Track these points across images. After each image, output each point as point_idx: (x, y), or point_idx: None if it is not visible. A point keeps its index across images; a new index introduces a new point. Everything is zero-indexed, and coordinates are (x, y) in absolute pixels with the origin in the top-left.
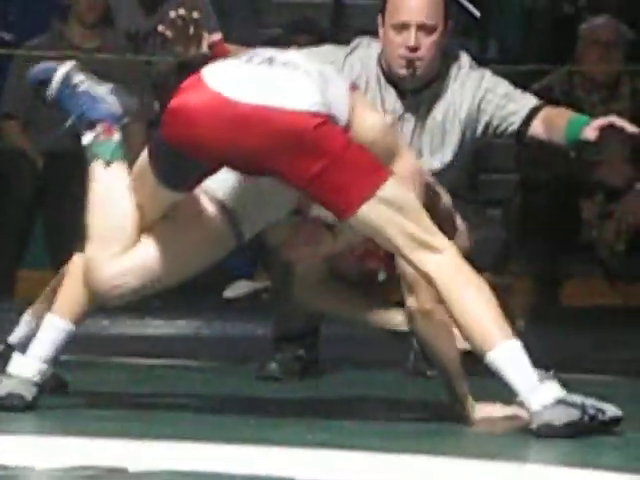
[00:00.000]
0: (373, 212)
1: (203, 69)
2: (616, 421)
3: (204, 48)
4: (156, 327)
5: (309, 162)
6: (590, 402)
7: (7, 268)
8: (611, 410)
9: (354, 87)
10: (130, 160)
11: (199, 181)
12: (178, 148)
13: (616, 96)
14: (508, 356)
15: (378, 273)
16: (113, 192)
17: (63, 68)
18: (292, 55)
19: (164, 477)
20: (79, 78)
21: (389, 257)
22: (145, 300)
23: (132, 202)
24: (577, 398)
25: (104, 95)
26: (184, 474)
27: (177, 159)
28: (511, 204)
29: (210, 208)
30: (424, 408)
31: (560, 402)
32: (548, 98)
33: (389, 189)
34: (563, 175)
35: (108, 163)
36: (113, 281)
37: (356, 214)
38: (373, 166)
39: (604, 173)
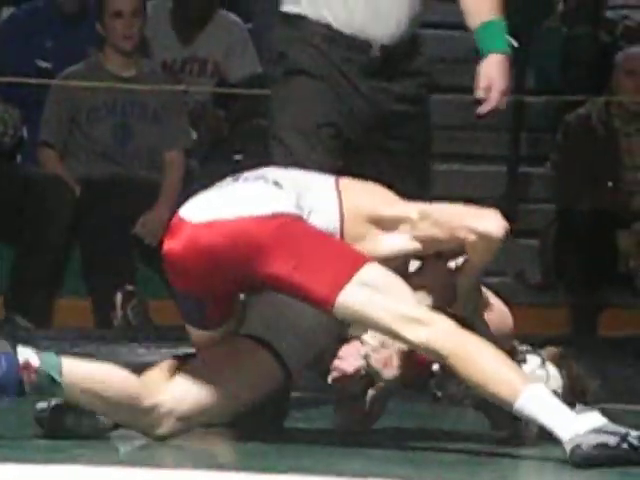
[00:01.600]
0: (353, 297)
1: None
2: None
3: None
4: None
5: (280, 263)
6: (636, 433)
7: (44, 297)
8: None
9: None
10: (168, 187)
11: (222, 313)
12: (183, 290)
13: None
14: (536, 400)
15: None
16: (90, 385)
17: None
18: (272, 170)
19: None
20: None
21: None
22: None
23: (107, 368)
24: (620, 428)
25: None
26: None
27: (189, 298)
28: (548, 234)
29: (251, 347)
30: (458, 438)
31: (597, 430)
32: (586, 127)
33: (367, 272)
34: (601, 205)
35: (64, 381)
36: (178, 429)
37: (337, 302)
38: (348, 254)
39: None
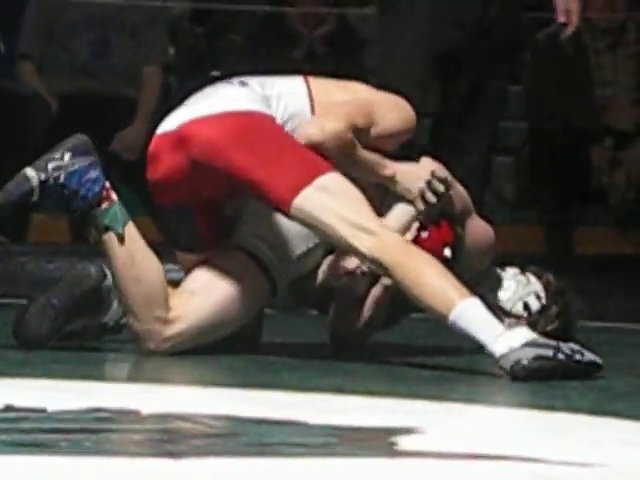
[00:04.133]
0: (310, 200)
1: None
2: (596, 367)
3: None
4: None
5: (244, 158)
6: (567, 345)
7: (21, 212)
8: (591, 355)
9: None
10: (146, 103)
11: (210, 234)
12: (171, 204)
13: (622, 42)
14: (469, 313)
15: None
16: (136, 260)
17: (33, 177)
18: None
19: (175, 420)
20: (51, 171)
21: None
22: None
23: (156, 260)
24: (550, 341)
25: (84, 165)
26: (195, 417)
27: (173, 217)
28: (522, 152)
29: (244, 264)
30: (434, 353)
31: (530, 344)
32: (555, 45)
33: (327, 179)
34: (572, 122)
35: (121, 234)
36: (169, 343)
37: (294, 204)
38: (311, 159)
39: (612, 117)
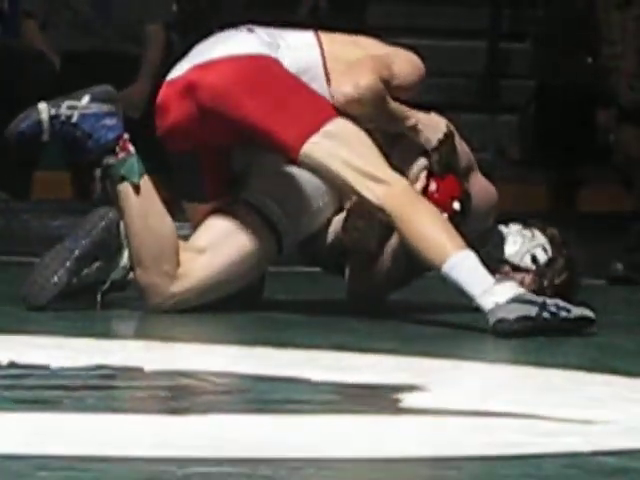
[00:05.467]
0: (319, 147)
1: None
2: (587, 322)
3: None
4: None
5: (254, 103)
6: (554, 301)
7: (24, 170)
8: (579, 311)
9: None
10: (149, 61)
11: (218, 182)
12: (179, 151)
13: (631, 1)
14: (461, 265)
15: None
16: (150, 212)
17: (43, 110)
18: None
19: (179, 377)
20: (65, 109)
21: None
22: None
23: (168, 215)
24: (537, 297)
25: (101, 111)
26: (198, 374)
27: (182, 166)
28: (528, 110)
29: (252, 221)
30: (439, 311)
31: (516, 300)
32: (563, 3)
33: (335, 125)
34: (579, 80)
35: (137, 184)
36: (174, 299)
37: (302, 150)
38: (319, 104)
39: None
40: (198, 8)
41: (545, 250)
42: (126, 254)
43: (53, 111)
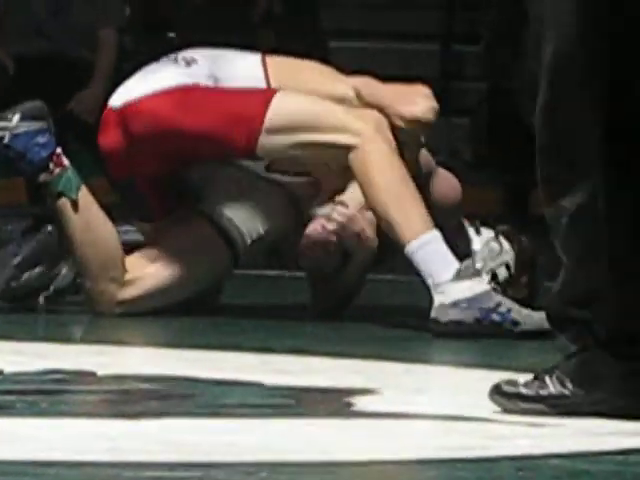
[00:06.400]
0: (270, 142)
1: None
2: (535, 335)
3: None
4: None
5: (194, 125)
6: (507, 307)
7: None
8: (532, 323)
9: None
10: (103, 65)
11: (163, 204)
12: (123, 179)
13: None
14: (427, 249)
15: None
16: (92, 224)
17: None
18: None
19: (131, 381)
20: None
21: None
22: None
23: (110, 223)
24: (492, 301)
25: (32, 129)
26: (151, 378)
27: (126, 191)
28: (479, 113)
29: (206, 231)
30: (396, 314)
31: (462, 302)
32: (516, 3)
33: (278, 103)
34: (530, 83)
35: (75, 199)
36: (124, 307)
37: (258, 146)
38: (253, 94)
39: None
40: (151, 12)
41: (508, 268)
42: (69, 262)
43: None
